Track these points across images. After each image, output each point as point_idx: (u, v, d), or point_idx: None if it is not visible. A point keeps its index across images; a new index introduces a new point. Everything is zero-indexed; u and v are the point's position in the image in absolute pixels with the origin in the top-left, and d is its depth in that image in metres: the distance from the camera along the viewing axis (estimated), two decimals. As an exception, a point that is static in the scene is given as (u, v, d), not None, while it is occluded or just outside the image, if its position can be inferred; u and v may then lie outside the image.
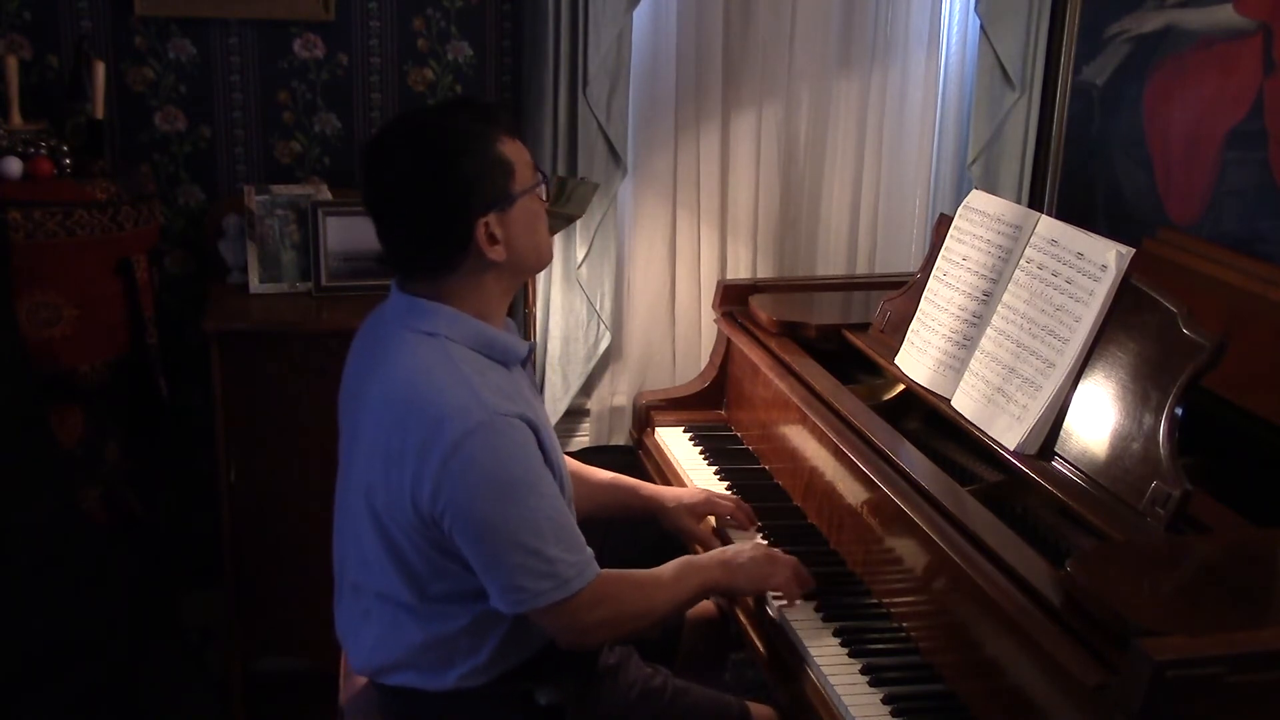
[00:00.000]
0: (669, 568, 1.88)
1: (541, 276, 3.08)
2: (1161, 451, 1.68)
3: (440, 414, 1.65)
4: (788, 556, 1.94)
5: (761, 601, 1.97)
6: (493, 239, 1.73)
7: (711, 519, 2.20)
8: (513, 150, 1.74)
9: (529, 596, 1.69)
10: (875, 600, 1.93)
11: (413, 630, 1.79)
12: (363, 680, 1.97)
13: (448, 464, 1.64)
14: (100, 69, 2.79)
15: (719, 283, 2.78)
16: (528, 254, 1.79)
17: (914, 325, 2.26)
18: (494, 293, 1.79)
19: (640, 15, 3.06)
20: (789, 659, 1.85)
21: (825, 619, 1.89)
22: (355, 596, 1.86)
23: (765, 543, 2.08)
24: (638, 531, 1.96)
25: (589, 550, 1.75)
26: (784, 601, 1.92)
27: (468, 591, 1.75)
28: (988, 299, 2.09)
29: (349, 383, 1.88)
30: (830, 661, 1.78)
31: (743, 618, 2.03)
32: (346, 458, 1.85)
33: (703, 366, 2.91)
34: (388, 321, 1.80)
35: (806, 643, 1.83)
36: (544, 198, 1.81)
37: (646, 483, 2.25)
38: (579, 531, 1.76)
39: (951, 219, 2.26)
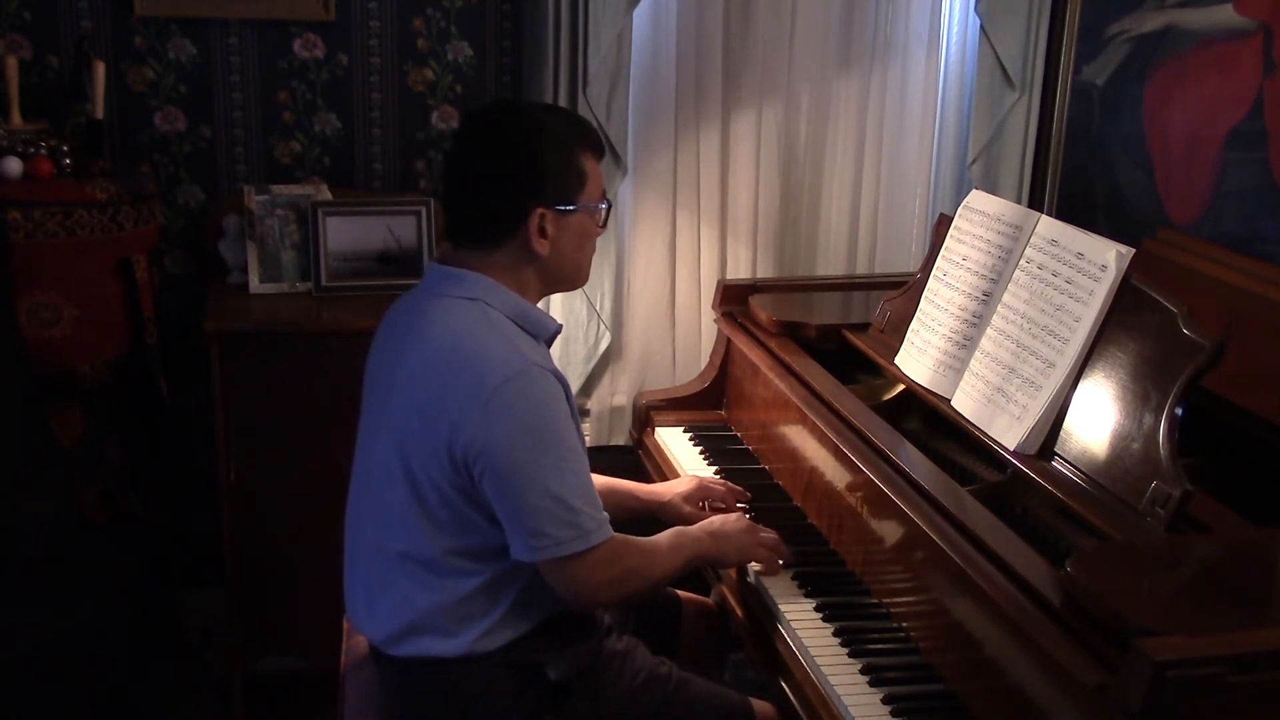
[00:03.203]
0: (664, 537, 1.98)
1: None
2: (1161, 451, 1.68)
3: (480, 363, 1.74)
4: (769, 530, 2.05)
5: (763, 604, 1.98)
6: (542, 232, 1.82)
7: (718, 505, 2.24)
8: (592, 168, 1.87)
9: (550, 544, 1.75)
10: (875, 600, 1.93)
11: (431, 590, 1.82)
12: (366, 660, 1.99)
13: (485, 408, 1.71)
14: (100, 69, 2.79)
15: (719, 283, 2.78)
16: (567, 264, 1.88)
17: (914, 325, 2.26)
18: (529, 285, 1.87)
19: (640, 15, 3.06)
20: (788, 658, 1.86)
21: (825, 619, 1.89)
22: (373, 562, 1.88)
23: (747, 515, 2.14)
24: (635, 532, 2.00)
25: (605, 512, 1.82)
26: (761, 569, 2.03)
27: (488, 549, 1.80)
28: (988, 299, 2.09)
29: (380, 352, 1.94)
30: (830, 661, 1.79)
31: (741, 615, 2.04)
32: (371, 422, 1.91)
33: (703, 366, 2.91)
34: (423, 293, 1.88)
35: (806, 642, 1.83)
36: (601, 223, 1.91)
37: (639, 484, 2.29)
38: (596, 492, 1.82)
39: (951, 219, 2.26)
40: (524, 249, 1.83)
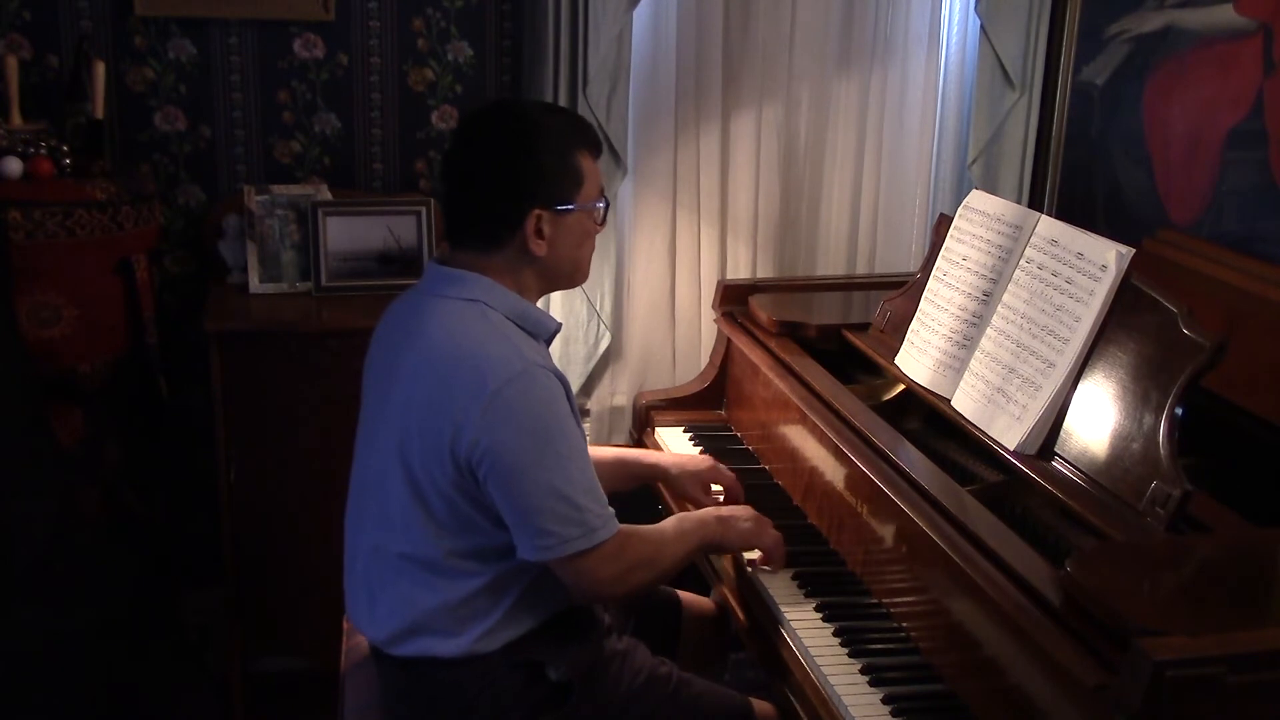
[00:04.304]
0: (669, 524, 1.98)
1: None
2: (1161, 451, 1.68)
3: (481, 365, 1.74)
4: (773, 529, 2.05)
5: (763, 605, 1.98)
6: (539, 233, 1.82)
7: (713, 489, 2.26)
8: (589, 168, 1.86)
9: (557, 543, 1.75)
10: (875, 600, 1.93)
11: (432, 591, 1.82)
12: (366, 660, 1.99)
13: (487, 411, 1.71)
14: (100, 69, 2.79)
15: (719, 283, 2.78)
16: (565, 263, 1.88)
17: (914, 325, 2.26)
18: (528, 286, 1.88)
19: (640, 15, 3.06)
20: (788, 658, 1.85)
21: (825, 619, 1.89)
22: (373, 562, 1.88)
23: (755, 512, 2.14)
24: (638, 514, 2.01)
25: (610, 507, 1.82)
26: (762, 562, 2.03)
27: (489, 549, 1.81)
28: (988, 299, 2.09)
29: (379, 353, 1.94)
30: (830, 661, 1.79)
31: (741, 616, 2.04)
32: (370, 424, 1.92)
33: (703, 366, 2.91)
34: (422, 294, 1.88)
35: (806, 642, 1.83)
36: (599, 222, 1.91)
37: (647, 450, 2.32)
38: (601, 488, 1.82)
39: (951, 219, 2.26)
40: (522, 250, 1.83)
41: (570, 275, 1.93)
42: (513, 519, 1.76)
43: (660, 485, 2.31)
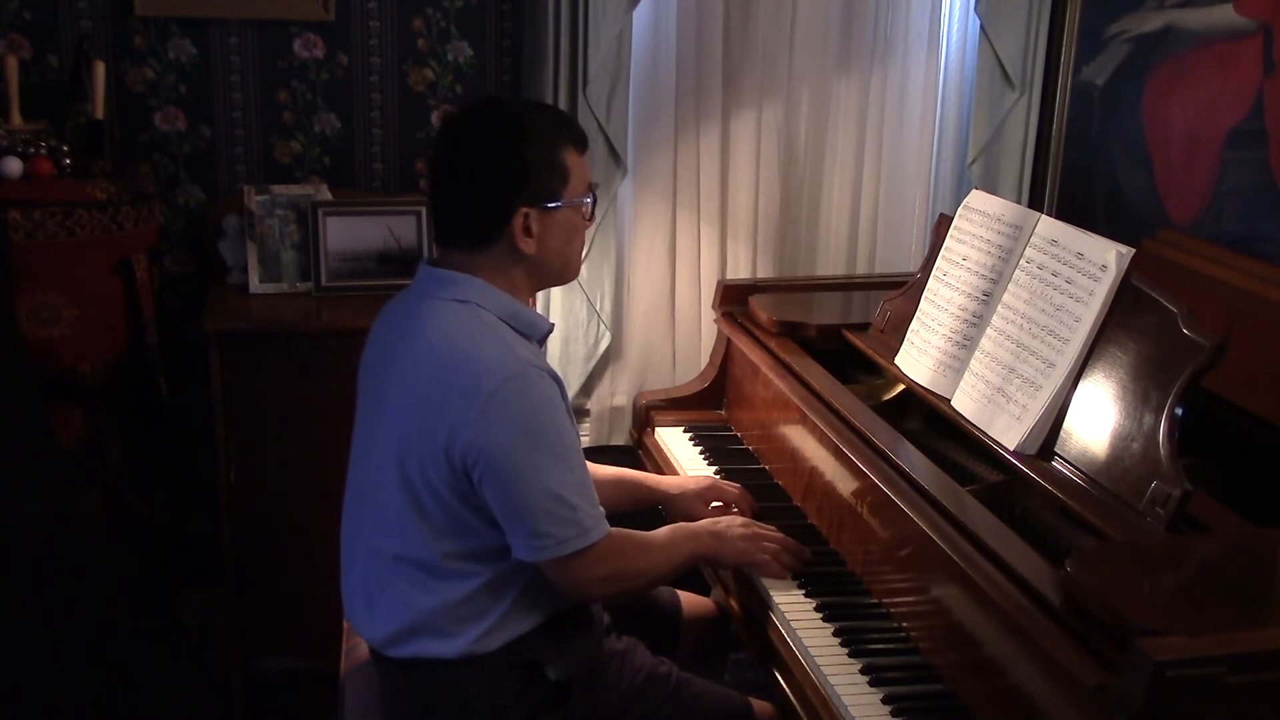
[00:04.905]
0: (662, 532, 1.98)
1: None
2: (1161, 451, 1.68)
3: (476, 366, 1.74)
4: (775, 535, 2.03)
5: (758, 597, 1.98)
6: (527, 230, 1.82)
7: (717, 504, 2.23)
8: (575, 163, 1.85)
9: (552, 543, 1.75)
10: (875, 600, 1.93)
11: (429, 592, 1.82)
12: (366, 660, 1.99)
13: (483, 411, 1.72)
14: (100, 69, 2.79)
15: (719, 283, 2.78)
16: (554, 260, 1.88)
17: (914, 325, 2.26)
18: (519, 285, 1.88)
19: (640, 15, 3.06)
20: (787, 658, 1.85)
21: (825, 619, 1.89)
22: (370, 564, 1.88)
23: (752, 521, 2.11)
24: (638, 524, 2.01)
25: (601, 507, 1.83)
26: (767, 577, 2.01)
27: (486, 550, 1.81)
28: (988, 299, 2.09)
29: (373, 356, 1.94)
30: (830, 661, 1.79)
31: (738, 611, 2.04)
32: (366, 426, 1.92)
33: (703, 366, 2.91)
34: (416, 295, 1.88)
35: (806, 642, 1.83)
36: (587, 216, 1.90)
37: (649, 474, 2.30)
38: (593, 487, 1.83)
39: (951, 219, 2.26)
40: (511, 248, 1.83)
41: (560, 272, 1.92)
42: (507, 519, 1.77)
43: (665, 507, 2.28)
